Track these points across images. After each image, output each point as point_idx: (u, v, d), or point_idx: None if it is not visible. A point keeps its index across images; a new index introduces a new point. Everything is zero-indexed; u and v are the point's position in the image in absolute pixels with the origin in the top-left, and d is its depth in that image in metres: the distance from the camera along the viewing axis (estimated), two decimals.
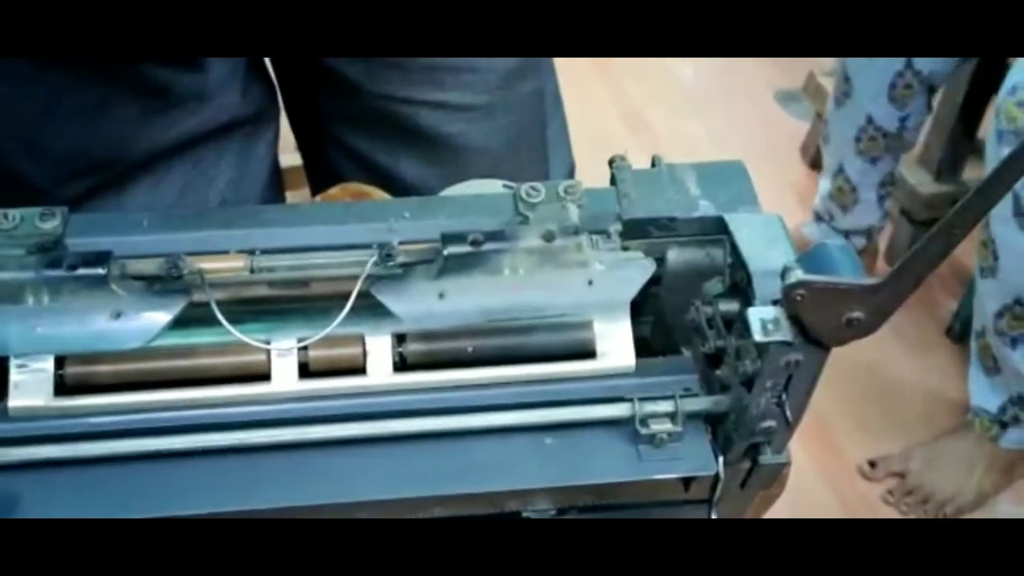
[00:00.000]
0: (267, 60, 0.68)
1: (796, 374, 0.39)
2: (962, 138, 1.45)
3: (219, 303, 0.40)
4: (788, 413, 0.40)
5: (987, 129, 1.18)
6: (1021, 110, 1.06)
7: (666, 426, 0.42)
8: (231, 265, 0.41)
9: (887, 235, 1.57)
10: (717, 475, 0.42)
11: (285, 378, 0.42)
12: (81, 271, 0.39)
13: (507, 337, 0.43)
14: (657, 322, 0.47)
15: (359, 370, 0.43)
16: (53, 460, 0.40)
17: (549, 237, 0.41)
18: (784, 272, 0.36)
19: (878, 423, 1.36)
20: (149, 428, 0.41)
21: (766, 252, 0.41)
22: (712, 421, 0.43)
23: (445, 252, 0.40)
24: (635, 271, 0.43)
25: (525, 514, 0.43)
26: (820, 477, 1.30)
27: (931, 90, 1.33)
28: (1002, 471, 1.26)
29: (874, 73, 1.31)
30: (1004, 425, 1.22)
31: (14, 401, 0.41)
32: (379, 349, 0.43)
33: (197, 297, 0.40)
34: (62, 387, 0.41)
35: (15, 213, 0.39)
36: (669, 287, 0.45)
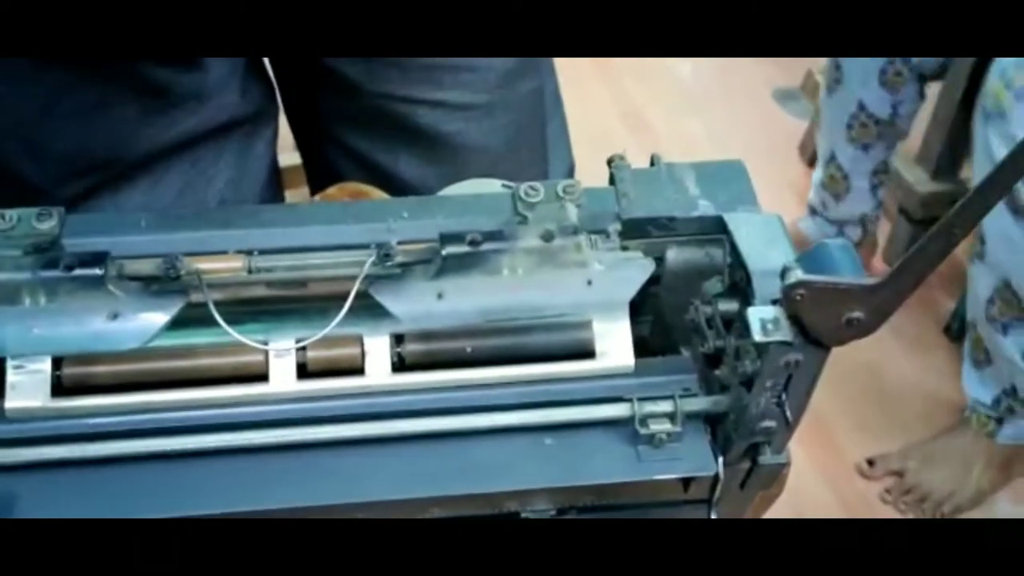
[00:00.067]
0: (266, 60, 0.68)
1: (796, 374, 0.39)
2: (960, 136, 1.44)
3: (217, 303, 0.40)
4: (788, 413, 0.40)
5: None
6: (1008, 91, 1.06)
7: (665, 426, 0.42)
8: (229, 265, 0.41)
9: (885, 234, 1.57)
10: (717, 475, 0.42)
11: (283, 379, 0.42)
12: (78, 272, 0.39)
13: (506, 337, 0.43)
14: (656, 322, 0.47)
15: (357, 370, 0.43)
16: (50, 461, 0.40)
17: (548, 237, 0.41)
18: (784, 272, 0.35)
19: (877, 422, 1.36)
20: (146, 429, 0.41)
21: (765, 252, 0.40)
22: (712, 421, 0.43)
23: (444, 252, 0.40)
24: (634, 271, 0.43)
25: (524, 514, 0.43)
26: (819, 476, 1.30)
27: (922, 78, 1.33)
28: (1000, 468, 1.26)
29: (864, 59, 1.31)
30: (1000, 421, 1.22)
31: (11, 402, 0.41)
32: (377, 349, 0.43)
33: (195, 297, 0.40)
34: (59, 388, 0.41)
35: (12, 213, 0.39)
36: (668, 287, 0.45)
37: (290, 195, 0.82)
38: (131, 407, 0.42)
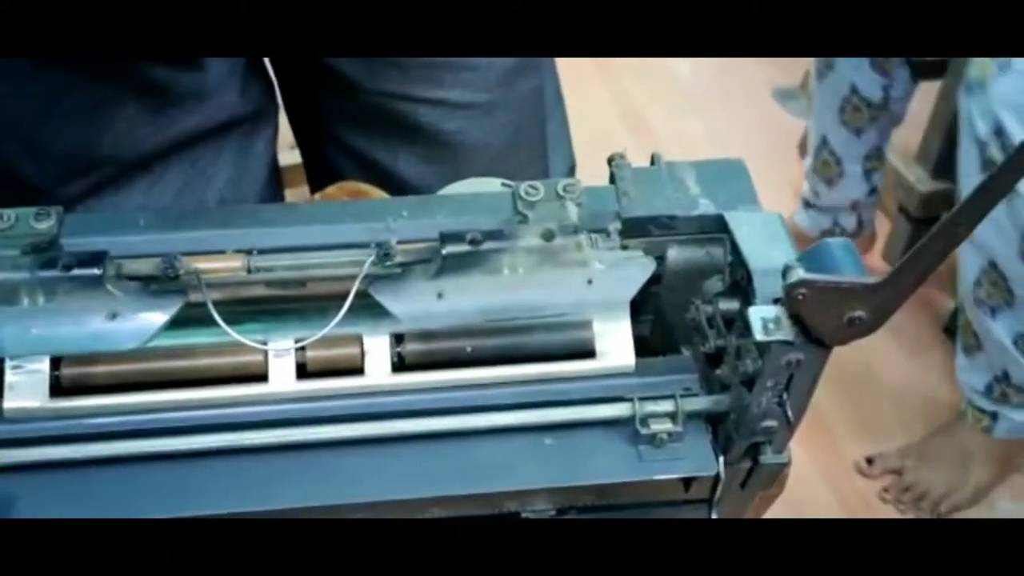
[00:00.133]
0: (266, 59, 0.68)
1: (797, 373, 0.39)
2: None
3: (216, 303, 0.40)
4: (789, 412, 0.40)
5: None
6: (992, 61, 1.05)
7: (666, 426, 0.42)
8: (228, 265, 0.41)
9: (885, 232, 1.56)
10: (718, 475, 0.42)
11: (282, 379, 0.42)
12: (76, 271, 0.38)
13: (506, 337, 0.43)
14: (657, 321, 0.47)
15: (357, 370, 0.42)
16: (49, 462, 0.40)
17: (548, 236, 0.41)
18: (785, 271, 0.35)
19: (876, 421, 1.36)
20: (145, 429, 0.41)
21: (766, 250, 0.40)
22: (713, 421, 0.43)
23: (443, 251, 0.40)
24: (635, 270, 0.42)
25: (524, 514, 0.43)
26: (818, 475, 1.30)
27: (912, 61, 1.32)
28: (997, 464, 1.25)
29: None
30: (995, 416, 1.21)
31: (9, 402, 0.41)
32: (377, 349, 0.42)
33: (194, 297, 0.40)
34: (58, 388, 0.41)
35: (10, 213, 0.39)
36: (669, 286, 0.45)
37: (290, 194, 0.82)
38: (130, 407, 0.41)
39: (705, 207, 0.44)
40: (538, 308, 0.42)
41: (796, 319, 0.36)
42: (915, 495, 1.26)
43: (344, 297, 0.40)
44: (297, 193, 0.91)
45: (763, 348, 0.38)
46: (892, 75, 1.31)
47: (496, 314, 0.42)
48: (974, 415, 1.23)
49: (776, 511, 0.49)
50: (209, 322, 0.40)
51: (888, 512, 1.27)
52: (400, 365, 0.43)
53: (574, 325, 0.43)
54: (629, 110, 1.84)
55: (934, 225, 0.33)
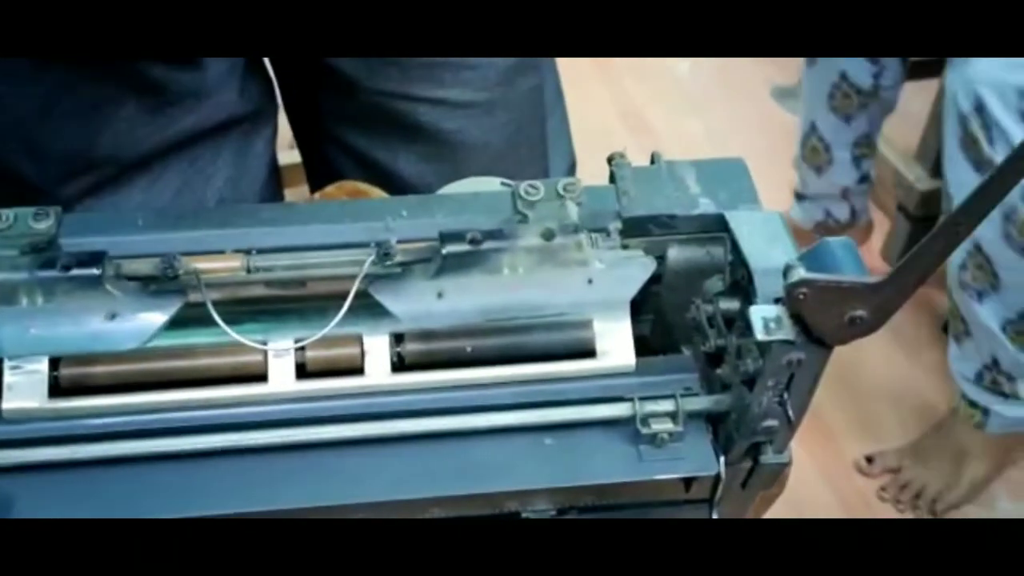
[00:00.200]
0: (265, 58, 0.68)
1: (798, 373, 0.38)
2: None
3: (215, 303, 0.40)
4: (790, 412, 0.40)
5: None
6: None
7: (667, 426, 0.42)
8: (227, 265, 0.40)
9: (883, 232, 1.56)
10: (718, 475, 0.42)
11: (282, 379, 0.42)
12: (75, 271, 0.38)
13: (506, 336, 0.43)
14: (657, 320, 0.47)
15: (357, 370, 0.42)
16: (48, 463, 0.40)
17: (548, 235, 0.41)
18: (786, 270, 0.35)
19: (875, 420, 1.36)
20: (145, 430, 0.41)
21: (767, 250, 0.40)
22: (713, 420, 0.43)
23: (444, 251, 0.40)
24: (635, 269, 0.42)
25: (525, 514, 0.43)
26: (818, 474, 1.30)
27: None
28: (992, 460, 1.25)
29: None
30: (986, 412, 1.21)
31: (8, 403, 0.40)
32: (377, 349, 0.42)
33: (193, 297, 0.40)
34: (57, 389, 0.41)
35: (8, 213, 0.39)
36: (669, 285, 0.45)
37: (289, 193, 0.82)
38: (129, 408, 0.41)
39: (705, 206, 0.43)
40: (538, 308, 0.42)
41: (797, 318, 0.36)
42: (912, 493, 1.26)
43: (344, 297, 0.40)
44: (297, 192, 0.91)
45: (764, 347, 0.37)
46: (882, 62, 1.30)
47: (496, 314, 0.41)
48: (966, 411, 1.22)
49: (776, 511, 0.49)
50: (209, 322, 0.39)
51: (887, 511, 1.27)
52: (400, 365, 0.43)
53: (574, 325, 0.43)
54: (629, 110, 1.84)
55: (933, 224, 0.33)
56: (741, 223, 0.42)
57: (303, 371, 0.42)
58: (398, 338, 0.43)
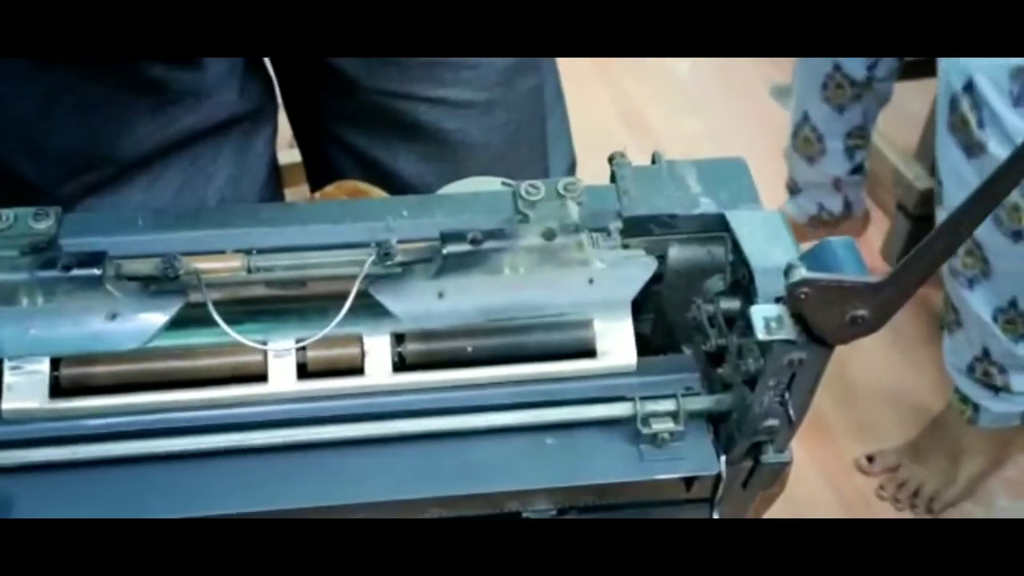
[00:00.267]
0: (265, 58, 0.68)
1: (799, 372, 0.38)
2: None
3: (216, 303, 0.40)
4: (791, 412, 0.40)
5: None
6: None
7: (668, 425, 0.42)
8: (228, 265, 0.40)
9: (883, 231, 1.56)
10: (719, 474, 0.42)
11: (283, 379, 0.42)
12: (76, 272, 0.38)
13: (507, 336, 0.43)
14: (658, 320, 0.47)
15: (357, 370, 0.42)
16: (48, 463, 0.40)
17: (549, 235, 0.41)
18: (788, 270, 0.35)
19: (875, 419, 1.36)
20: (145, 430, 0.41)
21: (768, 249, 0.40)
22: (714, 420, 0.43)
23: (444, 251, 0.40)
24: (636, 269, 0.42)
25: (525, 514, 0.43)
26: (818, 474, 1.30)
27: None
28: (987, 456, 1.25)
29: None
30: (977, 408, 1.20)
31: (8, 403, 0.40)
32: (378, 349, 0.42)
33: (194, 297, 0.40)
34: (57, 389, 0.41)
35: (8, 213, 0.39)
36: (670, 285, 0.45)
37: (289, 193, 0.82)
38: (130, 408, 0.41)
39: (706, 206, 0.43)
40: (539, 307, 0.42)
41: (798, 318, 0.36)
42: (909, 491, 1.26)
43: (344, 297, 0.40)
44: (296, 192, 0.91)
45: (765, 347, 0.37)
46: None
47: (497, 314, 0.41)
48: (958, 406, 1.22)
49: (776, 510, 0.49)
50: (209, 322, 0.39)
51: (887, 510, 1.27)
52: (401, 365, 0.43)
53: (575, 324, 0.43)
54: (629, 109, 1.84)
55: (933, 222, 0.33)
56: (742, 222, 0.42)
57: (304, 371, 0.42)
58: (399, 338, 0.43)
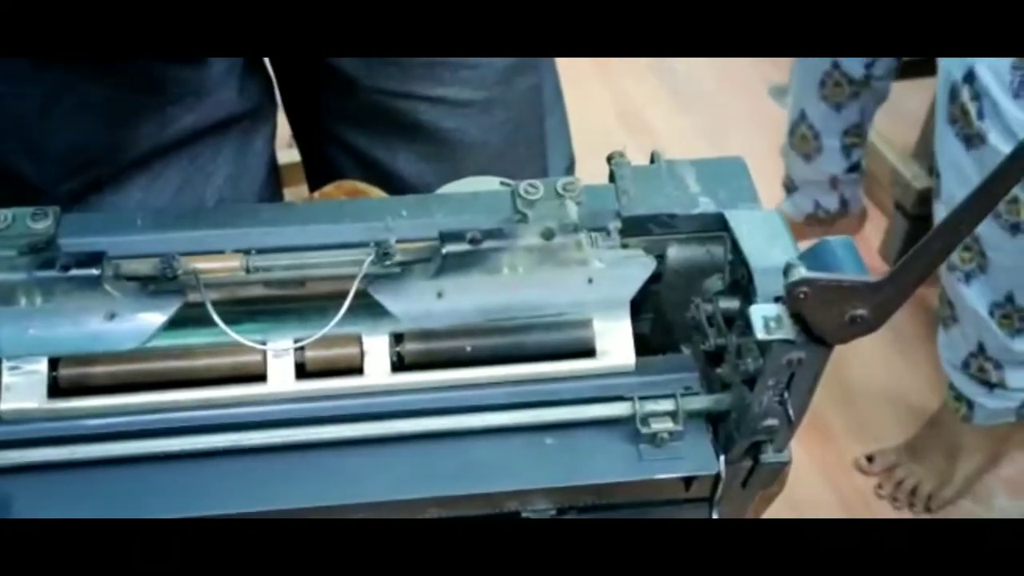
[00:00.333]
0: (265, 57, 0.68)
1: (798, 372, 0.38)
2: None
3: (215, 303, 0.39)
4: (790, 411, 0.40)
5: None
6: None
7: (667, 425, 0.42)
8: (226, 265, 0.40)
9: (881, 230, 1.56)
10: (718, 474, 0.42)
11: (282, 379, 0.42)
12: (74, 272, 0.38)
13: (506, 336, 0.43)
14: (657, 320, 0.47)
15: (356, 370, 0.42)
16: (47, 463, 0.40)
17: (548, 235, 0.41)
18: (787, 269, 0.35)
19: (874, 418, 1.37)
20: (144, 430, 0.41)
21: (767, 249, 0.40)
22: (713, 420, 0.43)
23: (443, 251, 0.40)
24: (635, 269, 0.42)
25: (524, 514, 0.43)
26: (817, 473, 1.30)
27: None
28: (986, 452, 1.25)
29: None
30: (971, 405, 1.20)
31: (7, 404, 0.40)
32: (376, 349, 0.42)
33: (192, 297, 0.40)
34: (56, 389, 0.41)
35: (7, 213, 0.39)
36: (669, 284, 0.45)
37: (289, 192, 0.82)
38: (128, 408, 0.41)
39: (705, 205, 0.43)
40: (538, 307, 0.42)
41: (797, 318, 0.36)
42: (907, 490, 1.26)
43: (343, 297, 0.40)
44: (296, 191, 0.91)
45: (764, 347, 0.37)
46: None
47: (496, 313, 0.41)
48: (952, 404, 1.22)
49: (776, 509, 0.49)
50: (208, 322, 0.39)
51: (887, 510, 1.27)
52: (400, 365, 0.43)
53: (574, 324, 0.43)
54: (628, 109, 1.84)
55: (931, 222, 0.33)
56: (741, 222, 0.42)
57: (302, 371, 0.42)
58: (398, 338, 0.43)
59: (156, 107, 0.59)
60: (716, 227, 0.43)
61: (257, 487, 0.41)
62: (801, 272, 0.35)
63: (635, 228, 0.43)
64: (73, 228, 0.40)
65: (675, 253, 0.44)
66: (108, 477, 0.40)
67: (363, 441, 0.41)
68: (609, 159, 0.45)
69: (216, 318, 0.39)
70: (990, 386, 1.17)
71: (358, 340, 0.42)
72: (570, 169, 0.79)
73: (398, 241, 0.41)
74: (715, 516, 0.44)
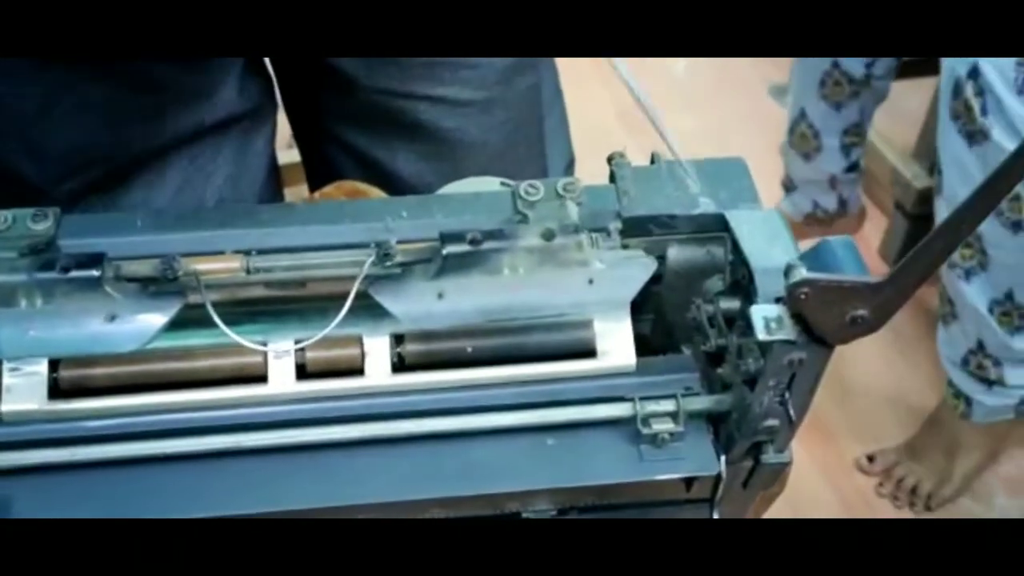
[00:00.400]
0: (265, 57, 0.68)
1: (799, 372, 0.38)
2: None
3: (215, 304, 0.39)
4: (791, 412, 0.40)
5: None
6: None
7: (668, 426, 0.42)
8: (227, 266, 0.40)
9: (881, 229, 1.56)
10: (719, 475, 0.42)
11: (282, 380, 0.42)
12: (74, 273, 0.38)
13: (507, 337, 0.43)
14: (657, 320, 0.47)
15: (357, 371, 0.42)
16: (47, 465, 0.40)
17: (549, 236, 0.41)
18: (788, 270, 0.35)
19: (874, 418, 1.37)
20: (144, 431, 0.41)
21: (767, 249, 0.40)
22: (714, 420, 0.43)
23: (444, 251, 0.40)
24: (636, 269, 0.42)
25: (525, 515, 0.43)
26: (818, 473, 1.30)
27: None
28: (984, 449, 1.25)
29: None
30: (969, 402, 1.20)
31: (7, 405, 0.40)
32: (377, 350, 0.42)
33: (193, 299, 0.40)
34: (56, 391, 0.41)
35: (7, 214, 0.39)
36: (670, 285, 0.45)
37: (289, 192, 0.82)
38: (129, 409, 0.41)
39: (706, 206, 0.43)
40: (539, 308, 0.42)
41: (798, 318, 0.36)
42: (907, 489, 1.26)
43: (344, 298, 0.40)
44: (296, 192, 0.91)
45: (765, 347, 0.37)
46: None
47: (497, 314, 0.41)
48: (951, 401, 1.22)
49: (776, 509, 0.49)
50: (208, 323, 0.39)
51: (887, 509, 1.27)
52: (400, 366, 0.43)
53: (575, 325, 0.43)
54: (628, 109, 1.83)
55: (931, 221, 0.33)
56: (741, 222, 0.42)
57: (303, 372, 0.42)
58: (398, 339, 0.43)
59: (156, 107, 0.59)
60: (717, 227, 0.43)
61: (258, 488, 0.40)
62: (802, 273, 0.35)
63: (636, 229, 0.43)
64: (73, 229, 0.40)
65: (676, 254, 0.44)
66: (109, 479, 0.40)
67: (364, 442, 0.41)
68: (609, 160, 0.45)
69: (217, 319, 0.39)
70: (989, 383, 1.17)
71: (359, 341, 0.42)
72: (570, 168, 0.79)
73: (399, 242, 0.41)
74: (716, 516, 0.44)
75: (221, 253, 0.41)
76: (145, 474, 0.40)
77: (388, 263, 0.40)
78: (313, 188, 0.74)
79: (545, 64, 0.73)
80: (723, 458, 0.42)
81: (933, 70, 1.38)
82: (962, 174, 1.06)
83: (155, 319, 0.40)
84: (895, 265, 0.34)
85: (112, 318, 0.39)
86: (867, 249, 1.57)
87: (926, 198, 1.46)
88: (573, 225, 0.41)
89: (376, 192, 0.61)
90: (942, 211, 1.13)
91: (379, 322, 0.42)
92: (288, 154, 0.82)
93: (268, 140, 0.68)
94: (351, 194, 0.60)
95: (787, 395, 0.39)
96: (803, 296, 0.35)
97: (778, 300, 0.37)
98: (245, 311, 0.41)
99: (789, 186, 1.48)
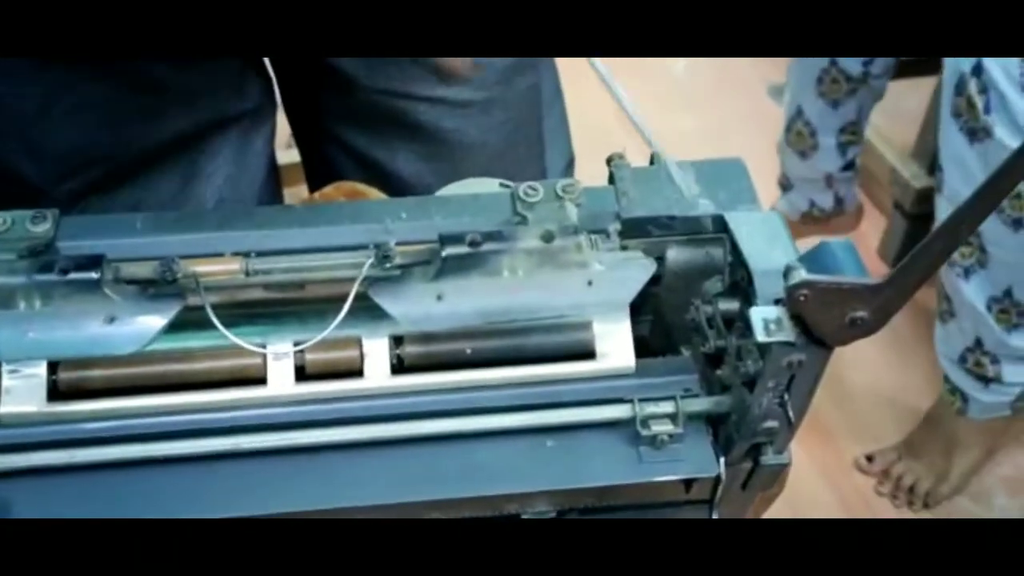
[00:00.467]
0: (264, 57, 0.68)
1: (798, 374, 0.38)
2: None
3: (214, 306, 0.39)
4: (790, 413, 0.40)
5: None
6: None
7: (667, 427, 0.42)
8: (226, 268, 0.40)
9: (880, 229, 1.56)
10: (718, 476, 0.42)
11: (281, 381, 0.42)
12: (73, 275, 0.38)
13: (506, 338, 0.43)
14: (656, 322, 0.47)
15: (356, 373, 0.42)
16: (46, 467, 0.40)
17: (548, 237, 0.41)
18: (787, 271, 0.35)
19: (873, 418, 1.37)
20: (144, 433, 0.41)
21: (767, 250, 0.40)
22: (713, 422, 0.43)
23: (443, 253, 0.40)
24: (635, 271, 0.42)
25: (525, 516, 0.43)
26: (817, 473, 1.30)
27: None
28: (982, 446, 1.25)
29: None
30: (966, 399, 1.19)
31: (6, 407, 0.40)
32: (376, 351, 0.42)
33: (192, 301, 0.40)
34: (55, 393, 0.41)
35: (6, 216, 0.39)
36: (669, 286, 0.45)
37: (288, 193, 0.82)
38: (128, 412, 0.41)
39: (705, 207, 0.43)
40: (538, 310, 0.42)
41: (797, 320, 0.36)
42: (905, 487, 1.26)
43: (343, 299, 0.40)
44: (295, 192, 0.91)
45: (764, 349, 0.37)
46: None
47: (496, 316, 0.41)
48: (947, 397, 1.22)
49: (776, 510, 0.49)
50: (207, 325, 0.39)
51: (887, 509, 1.27)
52: (400, 367, 0.43)
53: (574, 326, 0.43)
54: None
55: (930, 221, 0.33)
56: (740, 224, 0.42)
57: (302, 374, 0.42)
58: (397, 340, 0.43)
59: (156, 107, 0.59)
60: (716, 229, 0.43)
61: (257, 490, 0.40)
62: (801, 274, 0.35)
63: (635, 230, 0.43)
64: (72, 231, 0.40)
65: (675, 255, 0.44)
66: (108, 481, 0.40)
67: (363, 444, 0.41)
68: (608, 161, 0.45)
69: (216, 321, 0.39)
70: (986, 381, 1.17)
71: (358, 343, 0.42)
72: (569, 167, 0.79)
73: (398, 243, 0.41)
74: (715, 517, 0.44)
75: (220, 255, 0.41)
76: (144, 476, 0.40)
77: (387, 265, 0.40)
78: (313, 188, 0.74)
79: (545, 64, 0.73)
80: (722, 459, 0.42)
81: (932, 69, 1.37)
82: (963, 172, 1.06)
83: (154, 321, 0.39)
84: (894, 265, 0.34)
85: (111, 320, 0.39)
86: (866, 249, 1.56)
87: (925, 198, 1.46)
88: (572, 227, 0.41)
89: (375, 193, 0.61)
90: (942, 209, 1.12)
91: (378, 324, 0.42)
92: (288, 154, 0.82)
93: (268, 140, 0.68)
94: (350, 195, 0.60)
95: (786, 396, 0.39)
96: (802, 298, 0.35)
97: (777, 302, 0.37)
98: (244, 313, 0.41)
99: (785, 185, 1.47)
